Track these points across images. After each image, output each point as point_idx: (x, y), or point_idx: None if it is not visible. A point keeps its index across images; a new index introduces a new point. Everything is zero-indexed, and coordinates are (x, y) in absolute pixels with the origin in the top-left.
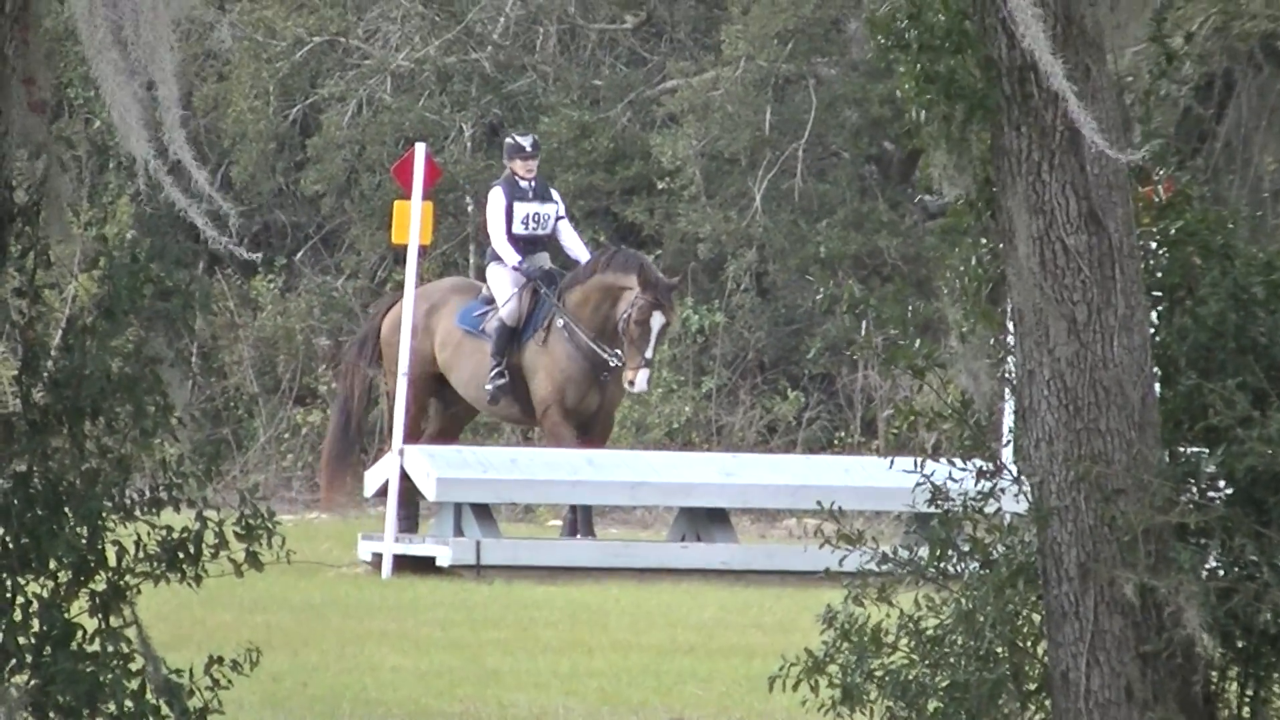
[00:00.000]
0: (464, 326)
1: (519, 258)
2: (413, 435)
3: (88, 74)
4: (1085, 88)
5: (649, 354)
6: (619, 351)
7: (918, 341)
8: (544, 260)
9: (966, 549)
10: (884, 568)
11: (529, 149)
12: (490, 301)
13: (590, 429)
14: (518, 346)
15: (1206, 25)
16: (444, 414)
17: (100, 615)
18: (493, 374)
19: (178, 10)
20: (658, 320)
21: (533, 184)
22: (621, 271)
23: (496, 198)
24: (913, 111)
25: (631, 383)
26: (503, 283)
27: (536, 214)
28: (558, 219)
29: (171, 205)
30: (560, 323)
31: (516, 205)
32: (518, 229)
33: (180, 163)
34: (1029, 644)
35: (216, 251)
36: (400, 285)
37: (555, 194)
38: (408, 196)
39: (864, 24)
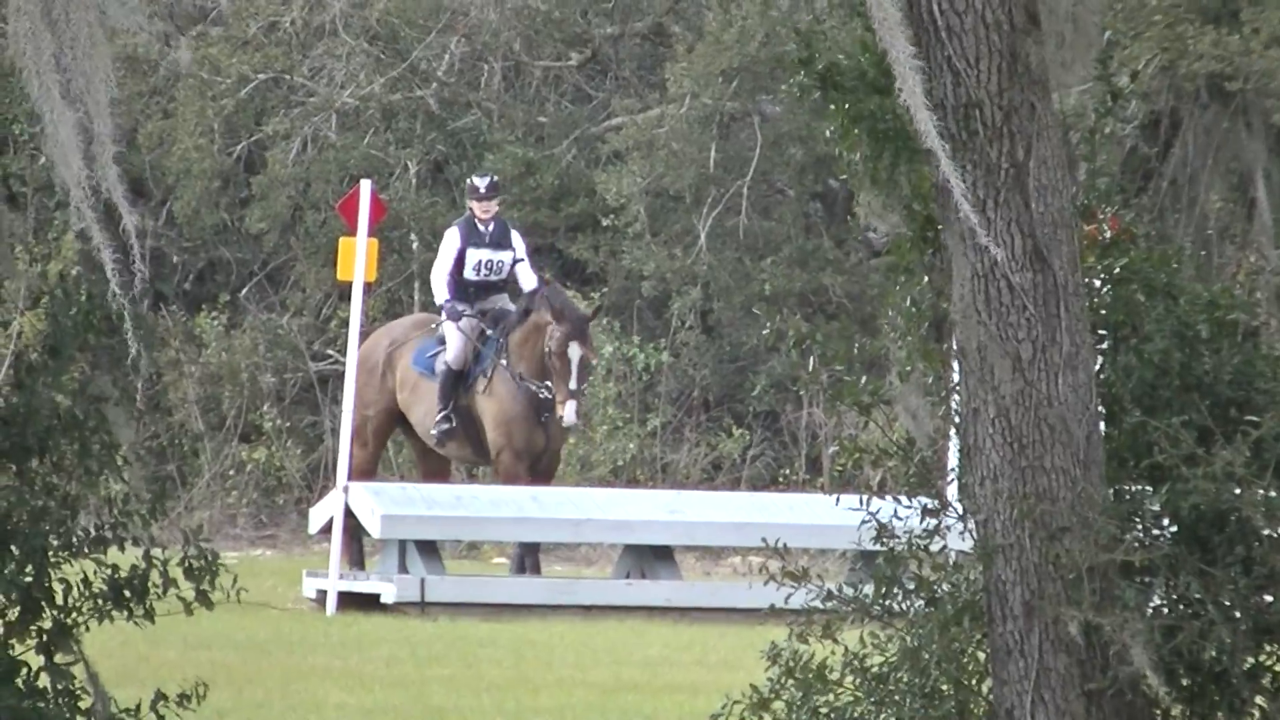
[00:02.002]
0: (417, 368)
1: (447, 296)
2: (368, 473)
3: (32, 110)
4: (1031, 125)
5: (573, 385)
6: (548, 384)
7: (863, 378)
8: (501, 301)
9: (912, 586)
10: (829, 605)
11: (483, 190)
12: (443, 341)
13: (536, 467)
14: (466, 389)
15: (1153, 64)
16: (428, 454)
17: (46, 652)
18: (438, 418)
19: (115, 44)
20: (574, 351)
21: (490, 226)
22: (544, 308)
23: (450, 238)
24: (841, 151)
25: (561, 416)
26: (449, 326)
27: (490, 260)
28: (515, 263)
29: (115, 239)
30: (503, 363)
31: (470, 251)
32: (469, 274)
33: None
34: (974, 682)
35: (162, 289)
36: (345, 322)
37: (516, 237)
38: (353, 233)
39: (785, 66)
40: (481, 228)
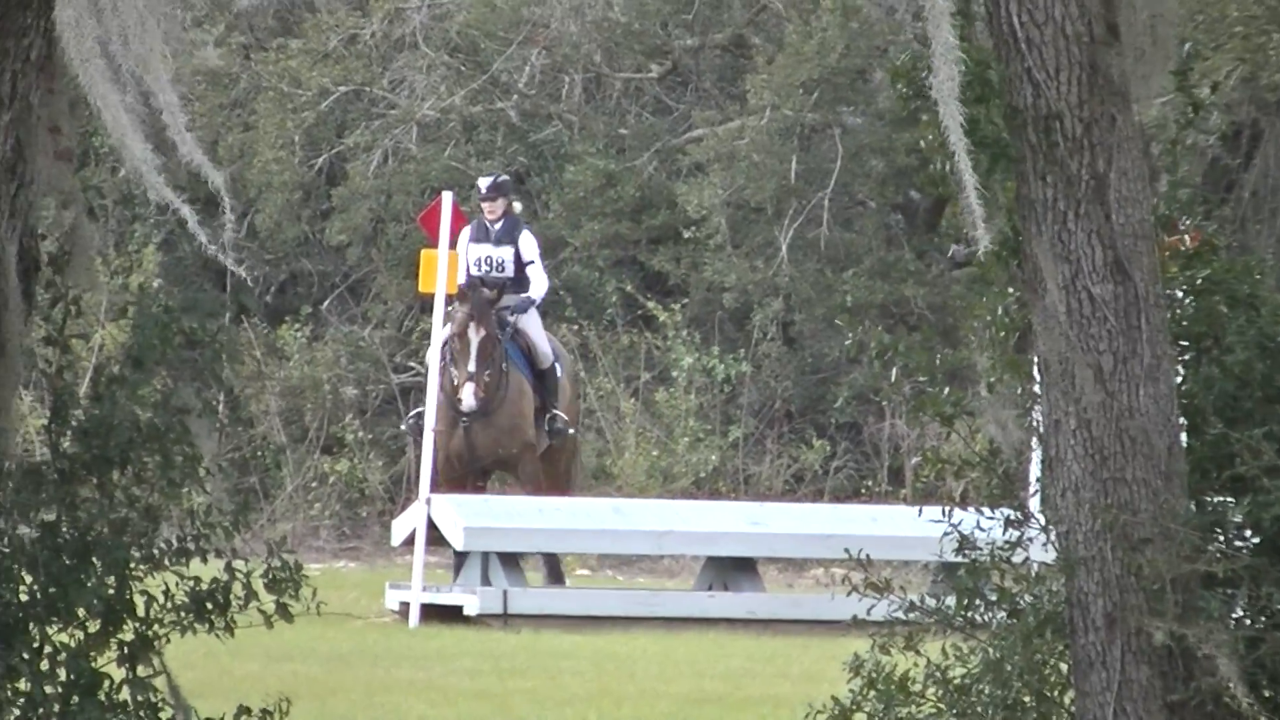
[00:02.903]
0: None
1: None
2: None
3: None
4: (1111, 137)
5: (471, 367)
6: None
7: (946, 389)
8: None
9: (994, 598)
10: (911, 616)
11: (484, 190)
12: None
13: (487, 475)
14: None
15: (1234, 75)
16: None
17: (128, 665)
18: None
19: (165, 24)
20: (474, 333)
21: (497, 225)
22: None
23: (462, 238)
24: (936, 161)
25: (459, 399)
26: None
27: (490, 257)
28: (524, 264)
29: (198, 253)
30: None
31: (472, 247)
32: (471, 270)
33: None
34: (1056, 693)
35: (245, 302)
36: (427, 334)
37: (526, 238)
38: (434, 245)
39: (887, 74)
40: (489, 227)
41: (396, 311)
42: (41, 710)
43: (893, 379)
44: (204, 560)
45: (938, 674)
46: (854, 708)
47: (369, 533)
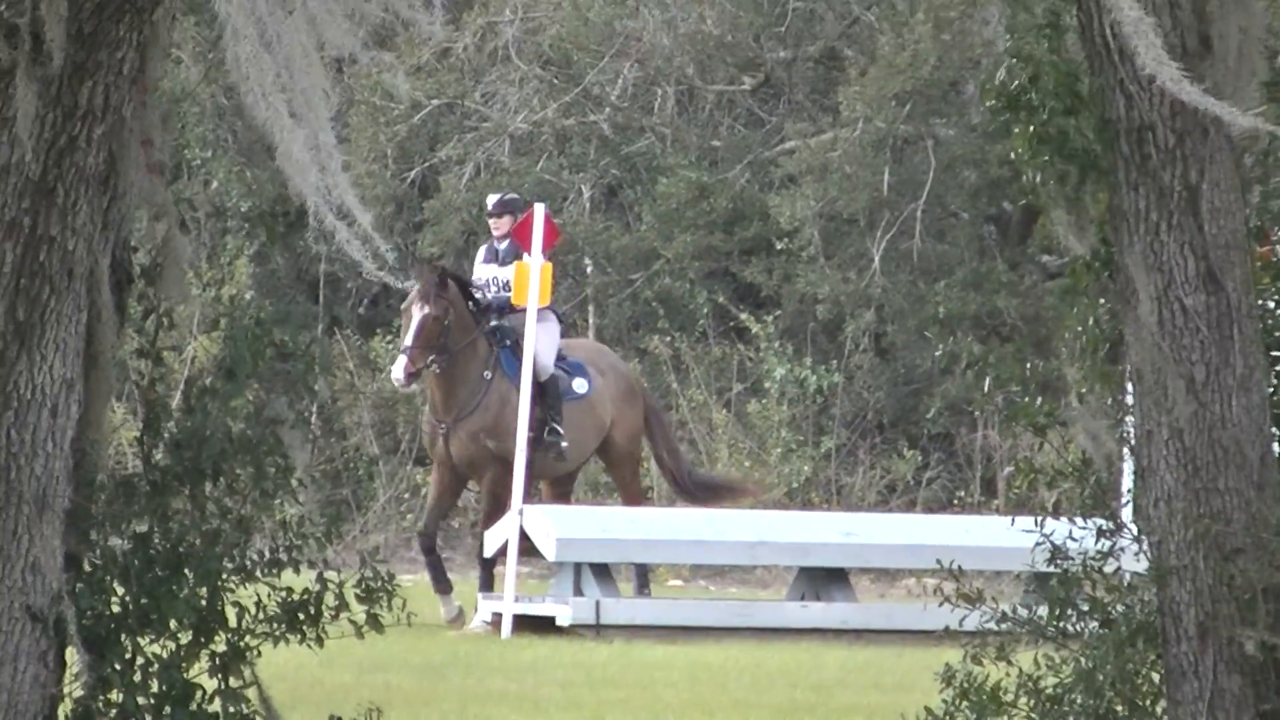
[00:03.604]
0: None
1: None
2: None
3: (205, 135)
4: (1203, 148)
5: (406, 341)
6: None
7: (1038, 400)
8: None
9: (1086, 608)
10: (1003, 627)
11: (489, 208)
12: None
13: (463, 482)
14: None
15: None
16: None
17: (220, 676)
18: None
19: (327, 56)
20: (417, 310)
21: (503, 245)
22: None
23: (477, 258)
24: (1028, 173)
25: (394, 376)
26: None
27: (495, 278)
28: None
29: (296, 262)
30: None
31: (481, 268)
32: (486, 291)
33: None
34: (1148, 703)
35: (337, 314)
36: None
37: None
38: (527, 258)
39: (978, 87)
40: (497, 245)
41: None
42: None
43: (985, 390)
44: (296, 571)
45: (1030, 684)
46: (946, 718)
47: (461, 544)
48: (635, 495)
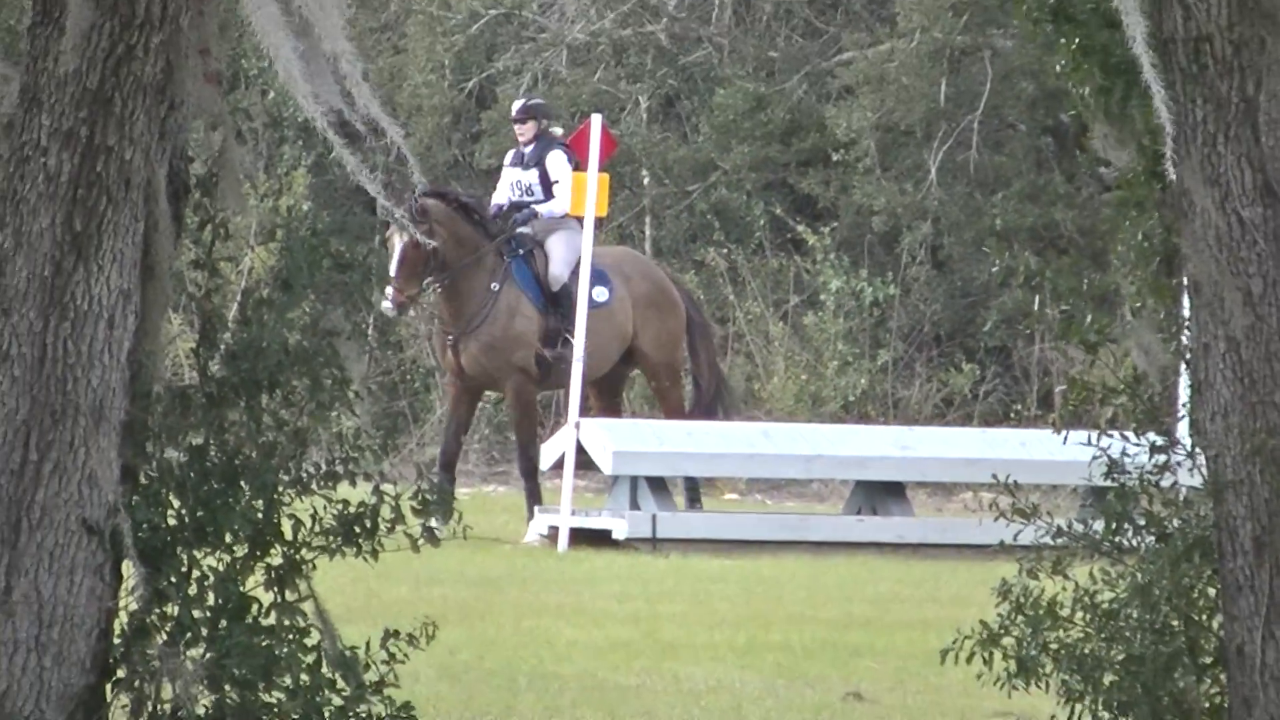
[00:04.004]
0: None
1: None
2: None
3: (258, 45)
4: (1261, 59)
5: (391, 271)
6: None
7: (1089, 316)
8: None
9: (1142, 523)
10: (1059, 541)
11: (513, 114)
12: None
13: (479, 392)
14: None
15: None
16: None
17: (276, 589)
18: None
19: None
20: (397, 239)
21: (528, 149)
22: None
23: (506, 160)
24: (1073, 86)
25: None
26: None
27: (518, 181)
28: (551, 184)
29: (347, 176)
30: None
31: (507, 171)
32: (510, 194)
33: (364, 120)
34: (1204, 618)
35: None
36: None
37: (554, 157)
38: (584, 168)
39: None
40: (523, 150)
41: None
42: (189, 634)
43: (1041, 306)
44: (352, 484)
45: (1086, 598)
46: (1002, 632)
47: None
48: (674, 406)
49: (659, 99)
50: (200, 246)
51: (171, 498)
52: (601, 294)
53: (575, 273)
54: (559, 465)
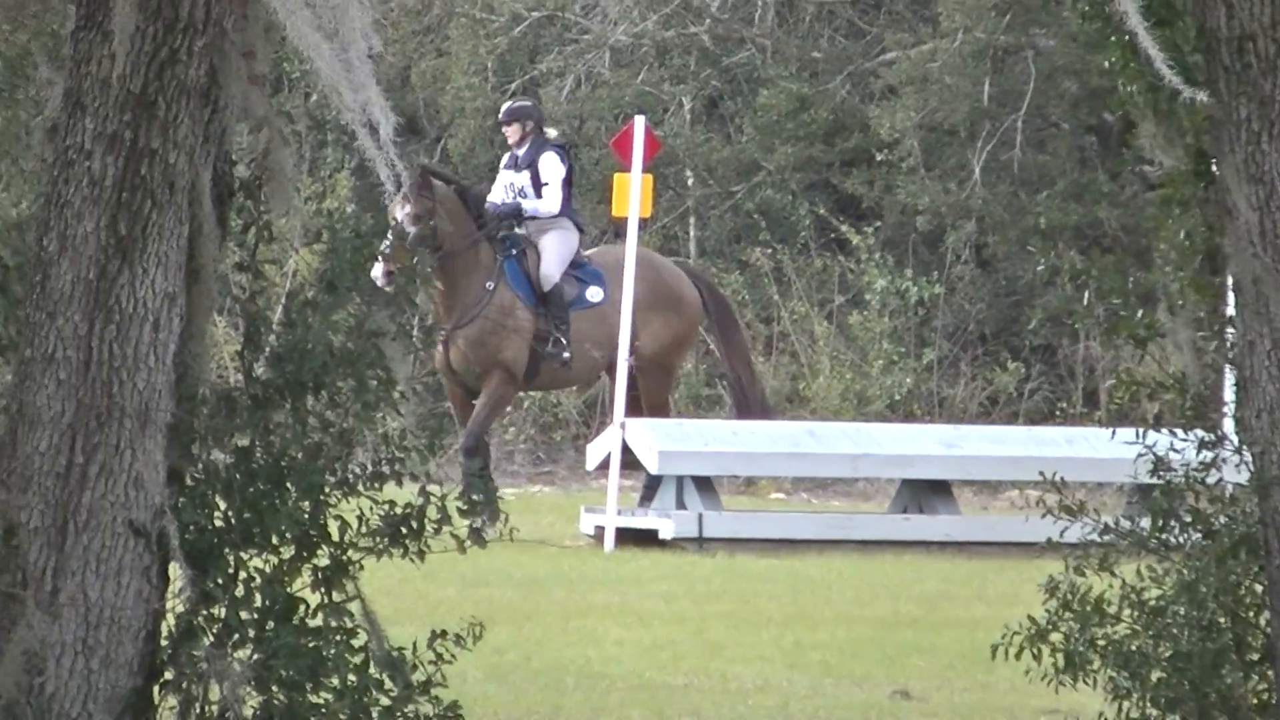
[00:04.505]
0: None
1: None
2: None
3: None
4: None
5: (385, 240)
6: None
7: (1139, 312)
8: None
9: (1188, 519)
10: (1106, 538)
11: (500, 115)
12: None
13: (476, 386)
14: None
15: None
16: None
17: (323, 590)
18: None
19: None
20: (398, 209)
21: (520, 151)
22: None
23: (502, 163)
24: (1122, 84)
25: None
26: None
27: (511, 183)
28: (540, 185)
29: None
30: None
31: (501, 174)
32: (504, 196)
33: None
34: (1251, 614)
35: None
36: None
37: (545, 159)
38: (627, 170)
39: None
40: (516, 153)
41: (590, 235)
42: (237, 636)
43: (1086, 302)
44: (399, 485)
45: (1133, 595)
46: (1049, 628)
47: (564, 457)
48: (657, 406)
49: (702, 100)
50: (245, 249)
51: (218, 499)
52: (596, 294)
53: (568, 273)
54: (605, 465)
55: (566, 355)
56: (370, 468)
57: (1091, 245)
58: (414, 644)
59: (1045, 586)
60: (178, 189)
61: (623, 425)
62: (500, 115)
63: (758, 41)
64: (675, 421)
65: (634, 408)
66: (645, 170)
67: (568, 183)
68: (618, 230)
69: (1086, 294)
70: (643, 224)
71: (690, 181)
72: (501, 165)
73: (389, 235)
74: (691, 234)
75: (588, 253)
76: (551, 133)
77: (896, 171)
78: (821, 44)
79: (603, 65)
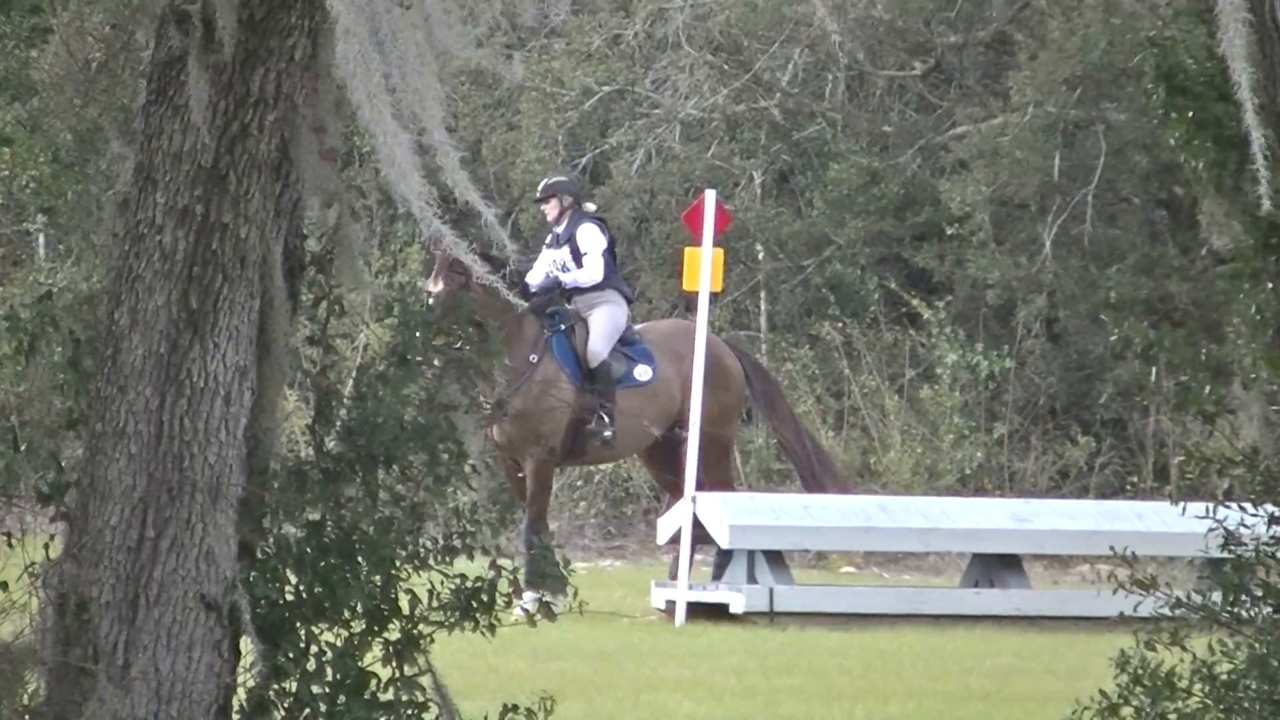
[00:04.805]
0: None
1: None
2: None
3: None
4: None
5: None
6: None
7: (1207, 387)
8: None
9: (1259, 594)
10: (1177, 612)
11: (538, 192)
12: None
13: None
14: None
15: None
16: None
17: (394, 664)
18: None
19: (444, 57)
20: (432, 286)
21: (559, 228)
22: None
23: (545, 245)
24: (1187, 159)
25: None
26: None
27: (555, 260)
28: (580, 256)
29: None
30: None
31: (544, 252)
32: (551, 273)
33: (469, 204)
34: None
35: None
36: None
37: (583, 231)
38: (698, 244)
39: (1133, 74)
40: (556, 230)
41: (661, 310)
42: (308, 710)
43: (1156, 377)
44: (470, 558)
45: (1204, 670)
46: (1120, 703)
47: (634, 531)
48: (719, 479)
49: (773, 174)
50: (316, 323)
51: (289, 573)
52: (645, 373)
53: (617, 349)
54: (676, 539)
55: (609, 434)
56: (441, 541)
57: (1162, 319)
58: (485, 718)
59: (1116, 661)
60: (249, 263)
61: (693, 499)
62: (538, 192)
63: (828, 115)
64: (746, 495)
65: (672, 485)
66: (716, 244)
67: (610, 253)
68: (688, 304)
69: (1156, 368)
70: (713, 298)
71: (761, 255)
72: (545, 245)
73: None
74: (762, 308)
75: (638, 327)
76: (590, 206)
77: (967, 245)
78: (892, 118)
79: (673, 139)
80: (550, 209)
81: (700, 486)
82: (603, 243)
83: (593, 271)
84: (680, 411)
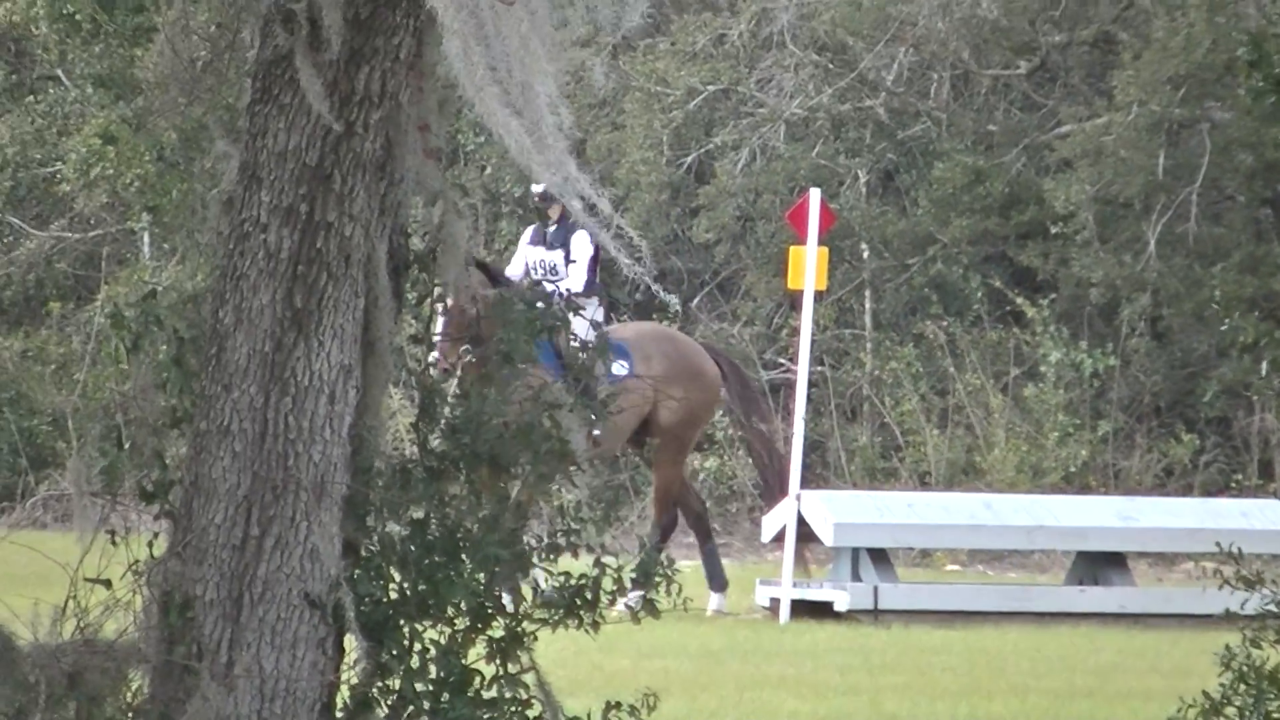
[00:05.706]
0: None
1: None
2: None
3: (476, 121)
4: None
5: (437, 334)
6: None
7: None
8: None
9: None
10: None
11: (538, 194)
12: None
13: None
14: None
15: None
16: None
17: (498, 661)
18: None
19: (549, 48)
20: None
21: (552, 229)
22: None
23: (523, 238)
24: None
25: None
26: None
27: (542, 260)
28: (569, 262)
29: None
30: None
31: (528, 249)
32: (535, 273)
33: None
34: None
35: (614, 297)
36: (796, 331)
37: (578, 238)
38: (803, 242)
39: (1240, 66)
40: (546, 231)
41: (766, 308)
42: (412, 708)
43: (1263, 373)
44: (574, 556)
45: None
46: (1224, 702)
47: (739, 529)
48: (666, 477)
49: (877, 173)
50: (420, 321)
51: (393, 571)
52: (621, 368)
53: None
54: (780, 537)
55: (598, 433)
56: (545, 539)
57: (1267, 318)
58: (589, 715)
59: (1220, 659)
60: (353, 262)
61: (798, 497)
62: (540, 195)
63: (933, 115)
64: (851, 493)
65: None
66: (820, 243)
67: (595, 260)
68: (793, 303)
69: (1264, 365)
70: (818, 297)
71: (865, 254)
72: (526, 239)
73: (439, 327)
74: (867, 306)
75: (609, 328)
76: None
77: (1071, 244)
78: (996, 117)
79: (778, 138)
80: (554, 211)
81: (678, 486)
82: (591, 250)
83: (575, 280)
84: (652, 411)
